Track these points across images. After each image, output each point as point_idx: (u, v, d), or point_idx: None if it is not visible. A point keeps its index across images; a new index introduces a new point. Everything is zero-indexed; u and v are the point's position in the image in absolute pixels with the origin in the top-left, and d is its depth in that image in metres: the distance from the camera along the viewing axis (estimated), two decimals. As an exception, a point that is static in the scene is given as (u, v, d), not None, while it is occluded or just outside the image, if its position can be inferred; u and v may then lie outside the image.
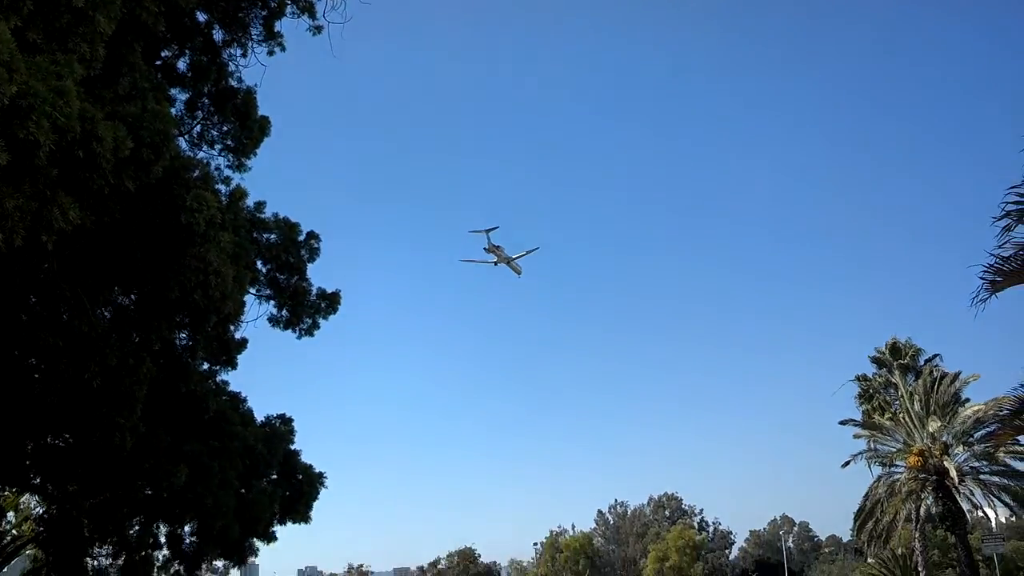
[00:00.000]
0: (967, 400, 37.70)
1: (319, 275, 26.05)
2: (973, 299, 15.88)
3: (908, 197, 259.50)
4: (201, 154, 22.11)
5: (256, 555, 26.28)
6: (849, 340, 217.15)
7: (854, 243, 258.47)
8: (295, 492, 25.28)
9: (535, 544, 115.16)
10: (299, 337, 25.83)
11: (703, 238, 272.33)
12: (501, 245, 67.28)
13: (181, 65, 21.74)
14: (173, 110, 19.72)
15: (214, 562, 33.29)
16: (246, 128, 22.47)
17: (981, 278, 15.76)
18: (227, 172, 23.15)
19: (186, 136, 21.81)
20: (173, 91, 21.18)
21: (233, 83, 22.37)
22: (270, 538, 25.40)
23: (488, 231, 65.96)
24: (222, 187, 22.12)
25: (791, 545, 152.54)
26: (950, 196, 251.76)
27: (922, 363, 55.22)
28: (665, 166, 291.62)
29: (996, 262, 15.56)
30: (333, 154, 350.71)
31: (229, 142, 22.67)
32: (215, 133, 22.59)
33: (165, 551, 25.31)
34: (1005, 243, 15.34)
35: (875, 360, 58.48)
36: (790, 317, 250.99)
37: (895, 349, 57.16)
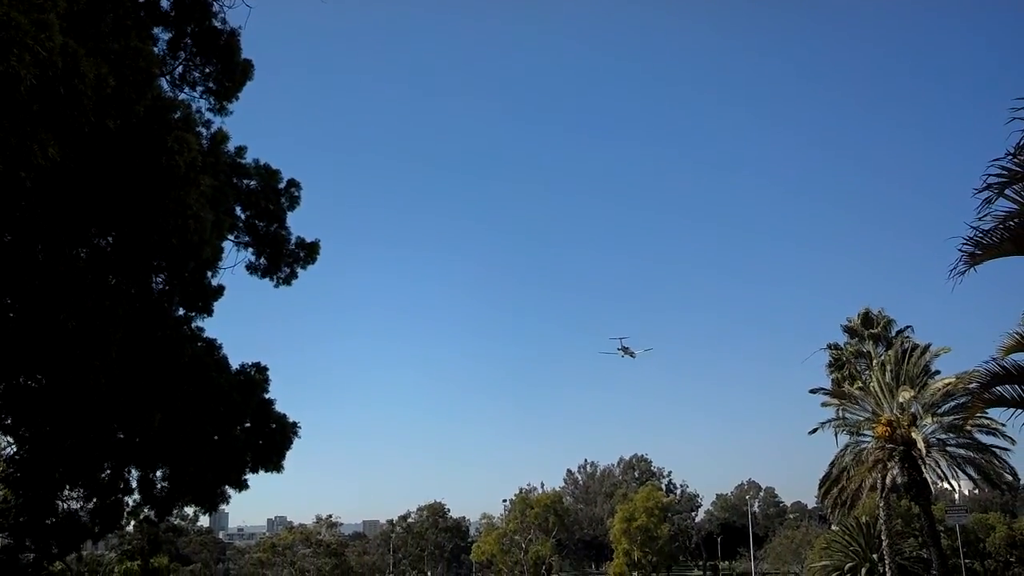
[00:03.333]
0: (937, 372, 38.06)
1: (297, 225, 25.91)
2: (951, 271, 15.91)
3: (890, 168, 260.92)
4: (183, 96, 21.66)
5: (227, 502, 26.20)
6: (823, 309, 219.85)
7: (833, 210, 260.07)
8: (268, 441, 25.16)
9: (504, 501, 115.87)
10: (276, 286, 25.66)
11: (677, 201, 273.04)
12: (629, 346, 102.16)
13: (164, 3, 21.25)
14: (155, 49, 19.38)
15: (185, 508, 33.29)
16: (228, 71, 22.02)
17: (960, 250, 15.76)
18: (208, 115, 22.74)
19: (167, 77, 21.39)
20: (156, 30, 20.74)
21: (217, 24, 21.87)
22: (242, 486, 25.30)
23: (621, 339, 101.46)
24: (203, 130, 21.82)
25: (757, 510, 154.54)
26: (932, 168, 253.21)
27: (893, 334, 55.70)
28: (639, 128, 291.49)
29: (976, 234, 15.58)
30: (316, 102, 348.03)
31: (211, 84, 22.23)
32: (197, 75, 22.12)
33: (136, 495, 25.24)
34: (985, 215, 15.34)
35: (847, 329, 58.87)
36: (764, 285, 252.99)
37: (867, 319, 57.57)
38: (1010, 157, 14.45)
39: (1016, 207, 14.92)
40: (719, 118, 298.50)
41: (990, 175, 14.82)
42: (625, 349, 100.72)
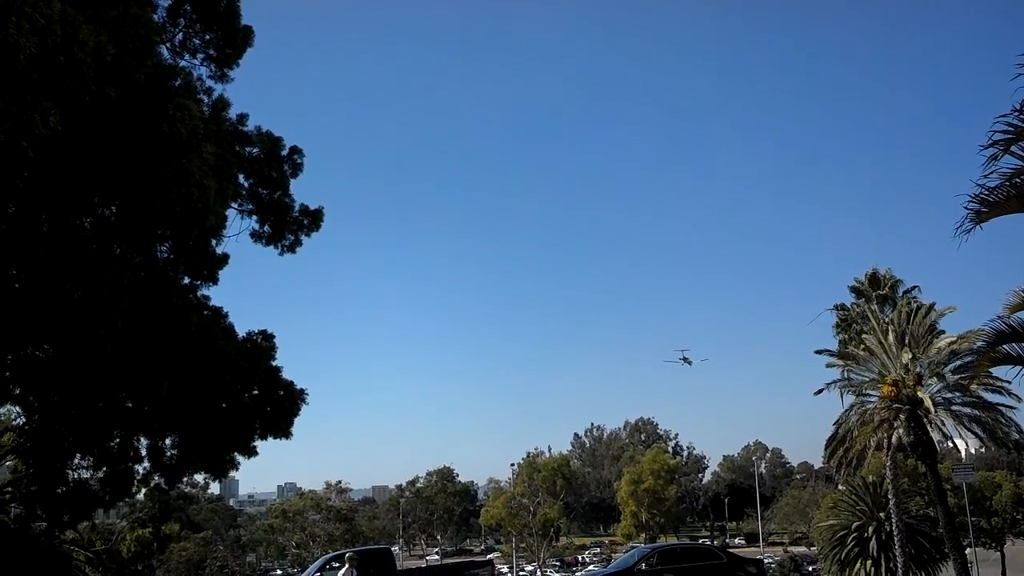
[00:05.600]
0: (942, 332, 37.95)
1: (300, 192, 25.91)
2: (957, 229, 15.84)
3: (898, 128, 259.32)
4: (183, 63, 21.52)
5: (237, 469, 26.38)
6: (830, 270, 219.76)
7: (843, 169, 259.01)
8: (276, 407, 25.26)
9: (512, 465, 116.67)
10: (281, 253, 25.70)
11: (684, 160, 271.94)
12: (688, 357, 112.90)
13: (163, -31, 21.13)
14: (155, 16, 19.23)
15: (195, 475, 33.51)
16: (229, 38, 21.89)
17: (966, 208, 15.68)
18: (209, 83, 22.69)
19: (167, 44, 21.26)
20: (155, -4, 20.64)
21: (216, -11, 21.77)
22: (251, 452, 25.45)
23: (683, 350, 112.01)
24: (204, 98, 21.74)
25: (763, 471, 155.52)
26: (940, 126, 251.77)
27: (900, 294, 55.53)
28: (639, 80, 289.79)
29: (982, 192, 15.50)
30: (319, 68, 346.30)
31: (211, 51, 22.11)
32: (197, 42, 21.97)
33: (146, 463, 25.40)
34: (991, 173, 15.25)
35: (854, 290, 58.67)
36: (771, 246, 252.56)
37: (875, 279, 57.36)
38: (1016, 114, 14.35)
39: (1022, 164, 14.83)
40: (726, 84, 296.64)
41: (996, 132, 14.72)
42: (685, 359, 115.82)
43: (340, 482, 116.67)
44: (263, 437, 25.43)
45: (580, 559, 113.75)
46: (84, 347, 18.01)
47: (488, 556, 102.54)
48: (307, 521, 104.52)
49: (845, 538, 40.67)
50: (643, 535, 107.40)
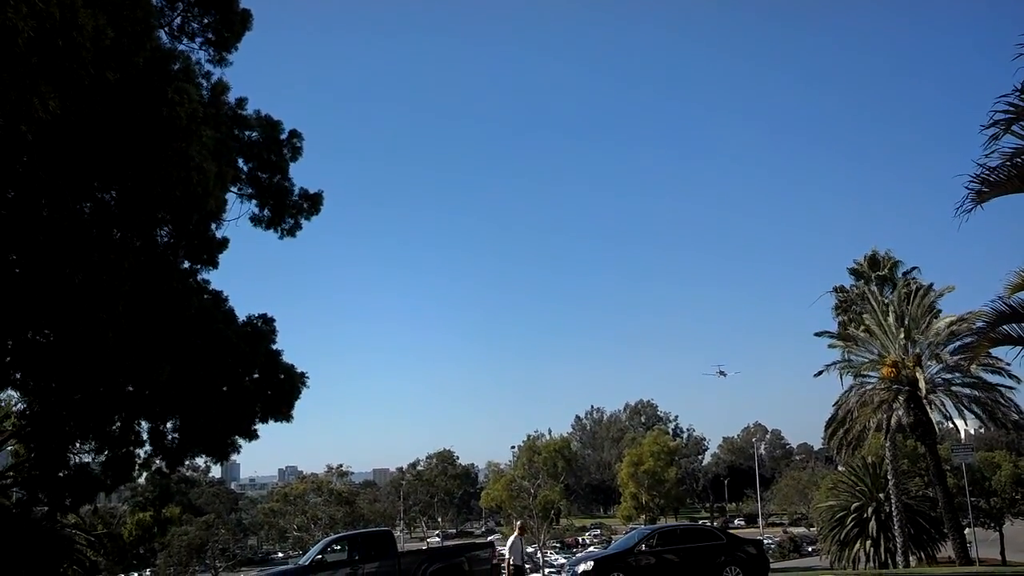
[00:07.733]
0: (939, 311, 37.98)
1: (300, 176, 25.84)
2: (957, 209, 15.85)
3: (898, 109, 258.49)
4: (182, 47, 21.45)
5: (238, 452, 26.46)
6: (830, 251, 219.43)
7: (842, 150, 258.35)
8: (277, 391, 25.32)
9: (512, 447, 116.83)
10: (281, 237, 25.69)
11: (683, 142, 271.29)
12: (724, 370, 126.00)
13: (160, -47, 21.01)
14: (153, 0, 19.17)
15: (196, 459, 33.59)
16: (227, 21, 21.80)
17: (967, 188, 15.70)
18: (208, 67, 22.64)
19: (166, 28, 21.16)
20: (152, -20, 20.52)
21: (213, -28, 21.67)
22: (252, 436, 25.55)
23: (720, 365, 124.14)
24: (203, 82, 21.68)
25: (763, 452, 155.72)
26: (941, 106, 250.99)
27: (900, 275, 55.43)
28: (636, 62, 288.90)
29: (983, 172, 15.50)
30: (317, 52, 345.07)
31: (210, 35, 22.01)
32: (196, 26, 21.88)
33: (147, 447, 25.47)
34: (992, 152, 15.26)
35: (853, 272, 58.54)
36: (772, 227, 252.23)
37: (874, 261, 57.22)
38: (1017, 93, 14.36)
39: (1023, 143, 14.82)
40: (726, 66, 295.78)
41: (997, 112, 14.72)
42: (721, 372, 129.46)
43: (341, 465, 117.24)
44: (264, 420, 25.51)
45: (580, 541, 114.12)
46: (85, 332, 18.01)
47: (489, 538, 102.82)
48: (308, 504, 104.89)
49: (845, 518, 40.86)
50: (643, 517, 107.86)
